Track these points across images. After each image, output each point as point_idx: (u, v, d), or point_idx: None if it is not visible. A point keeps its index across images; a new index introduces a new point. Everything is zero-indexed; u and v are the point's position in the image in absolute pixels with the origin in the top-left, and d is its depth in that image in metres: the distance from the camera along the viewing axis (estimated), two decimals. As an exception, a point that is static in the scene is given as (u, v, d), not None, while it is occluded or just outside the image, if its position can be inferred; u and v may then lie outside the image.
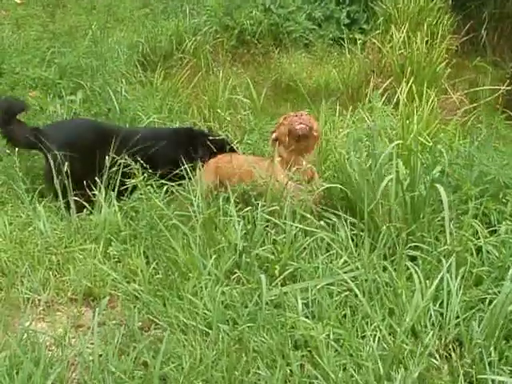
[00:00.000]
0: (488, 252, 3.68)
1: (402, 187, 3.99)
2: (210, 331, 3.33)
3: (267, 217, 4.02)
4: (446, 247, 3.67)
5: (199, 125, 6.15)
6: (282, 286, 3.62)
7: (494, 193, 4.02)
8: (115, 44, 7.85)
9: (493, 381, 2.94)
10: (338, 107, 6.58)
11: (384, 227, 3.85)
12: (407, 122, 5.75)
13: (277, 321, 3.31)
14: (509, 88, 7.54)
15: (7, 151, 4.97)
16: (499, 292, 3.31)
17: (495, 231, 3.82)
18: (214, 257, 3.78)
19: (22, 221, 4.39)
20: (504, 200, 3.91)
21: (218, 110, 6.63)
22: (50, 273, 3.93)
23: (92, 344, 3.26)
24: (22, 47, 7.11)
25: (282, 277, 3.66)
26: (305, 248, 3.90)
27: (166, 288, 3.70)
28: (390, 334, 3.23)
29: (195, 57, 8.14)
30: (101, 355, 3.17)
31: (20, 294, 3.72)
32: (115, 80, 6.56)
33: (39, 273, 3.89)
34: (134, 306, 3.61)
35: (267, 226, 4.06)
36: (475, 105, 7.00)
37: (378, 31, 8.50)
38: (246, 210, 4.13)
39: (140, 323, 3.50)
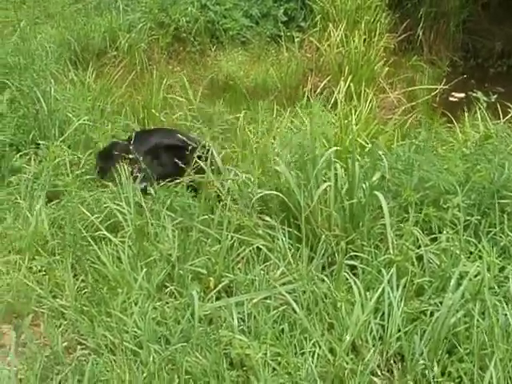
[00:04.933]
0: (429, 261, 3.56)
1: (341, 194, 3.86)
2: (140, 351, 3.13)
3: (201, 227, 3.83)
4: (386, 256, 3.54)
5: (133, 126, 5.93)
6: (217, 299, 3.45)
7: (435, 199, 3.92)
8: (45, 41, 7.50)
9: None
10: (275, 107, 6.46)
11: (323, 236, 3.71)
12: (345, 122, 5.65)
13: (211, 338, 3.13)
14: (445, 87, 7.56)
15: None
16: (441, 303, 3.20)
17: (436, 239, 3.70)
18: (145, 269, 3.58)
19: None
20: (444, 206, 3.79)
21: (153, 111, 6.43)
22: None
23: (14, 367, 3.04)
24: None
25: (216, 289, 3.49)
26: (242, 258, 3.73)
27: (94, 304, 3.48)
28: (330, 350, 3.09)
29: (129, 55, 7.90)
30: (21, 380, 2.96)
31: None
32: (44, 79, 6.23)
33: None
34: (60, 325, 3.40)
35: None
36: (413, 103, 6.98)
37: (315, 29, 8.40)
38: (179, 219, 3.93)
39: (65, 343, 3.28)
